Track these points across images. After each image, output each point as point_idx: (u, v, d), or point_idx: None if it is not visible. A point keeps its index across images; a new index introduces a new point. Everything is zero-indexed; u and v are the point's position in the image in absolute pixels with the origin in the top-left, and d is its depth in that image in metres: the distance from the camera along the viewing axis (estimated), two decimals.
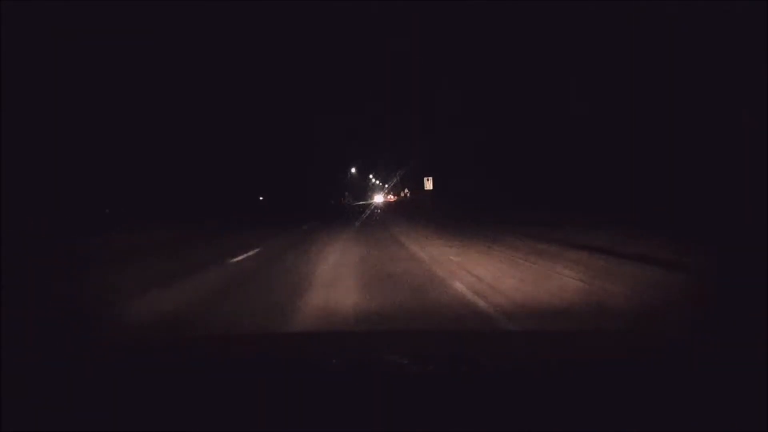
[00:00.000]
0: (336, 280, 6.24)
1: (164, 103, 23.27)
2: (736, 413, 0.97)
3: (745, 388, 1.07)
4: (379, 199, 79.63)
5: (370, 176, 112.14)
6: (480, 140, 25.28)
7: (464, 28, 23.59)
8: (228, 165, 31.91)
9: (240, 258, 8.97)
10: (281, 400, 1.12)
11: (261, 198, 45.92)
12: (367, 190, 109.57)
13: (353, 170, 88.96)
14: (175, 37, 24.24)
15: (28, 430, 1.00)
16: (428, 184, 29.98)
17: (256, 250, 10.14)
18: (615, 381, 1.17)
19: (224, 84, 30.17)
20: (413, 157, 47.71)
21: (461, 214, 20.54)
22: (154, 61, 22.61)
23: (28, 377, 1.29)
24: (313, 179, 60.28)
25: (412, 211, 27.15)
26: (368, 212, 29.87)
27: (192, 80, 25.91)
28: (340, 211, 34.58)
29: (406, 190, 68.04)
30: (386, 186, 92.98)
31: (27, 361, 1.45)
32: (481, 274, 6.22)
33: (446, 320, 4.12)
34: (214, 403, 1.10)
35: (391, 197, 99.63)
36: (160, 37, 22.84)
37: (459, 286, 5.51)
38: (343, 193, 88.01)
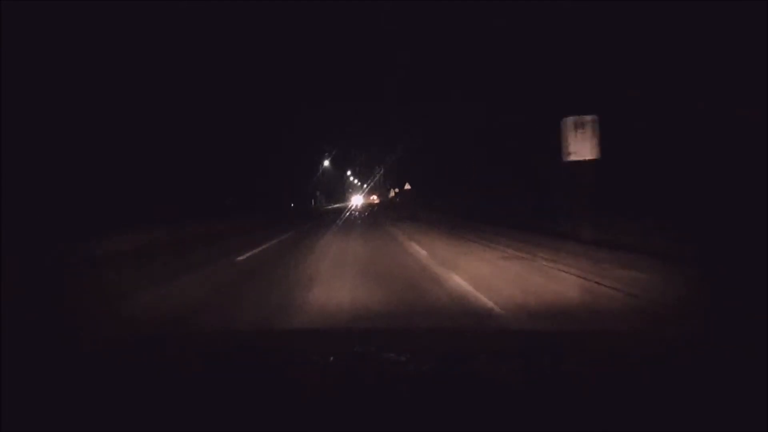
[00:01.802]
0: None
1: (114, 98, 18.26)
2: (736, 413, 0.96)
3: (745, 389, 1.06)
4: (357, 201, 58.44)
5: (348, 173, 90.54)
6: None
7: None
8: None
9: None
10: (278, 398, 1.11)
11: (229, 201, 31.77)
12: (345, 191, 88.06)
13: (326, 163, 65.94)
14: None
15: (28, 430, 1.00)
16: (579, 144, 8.72)
17: None
18: (611, 381, 1.17)
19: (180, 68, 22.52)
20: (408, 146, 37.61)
21: None
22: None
23: (27, 376, 1.27)
24: (274, 177, 39.21)
25: None
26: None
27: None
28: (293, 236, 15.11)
29: (408, 186, 46.50)
30: (365, 186, 71.50)
31: (27, 360, 1.44)
32: None
33: None
34: (212, 401, 1.09)
35: (375, 198, 79.71)
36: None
37: None
38: (314, 193, 65.46)
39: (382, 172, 67.77)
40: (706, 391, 1.06)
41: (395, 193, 71.89)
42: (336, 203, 70.01)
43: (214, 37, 26.40)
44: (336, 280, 6.30)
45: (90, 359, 1.51)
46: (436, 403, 1.05)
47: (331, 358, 1.56)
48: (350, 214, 30.85)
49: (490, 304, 4.84)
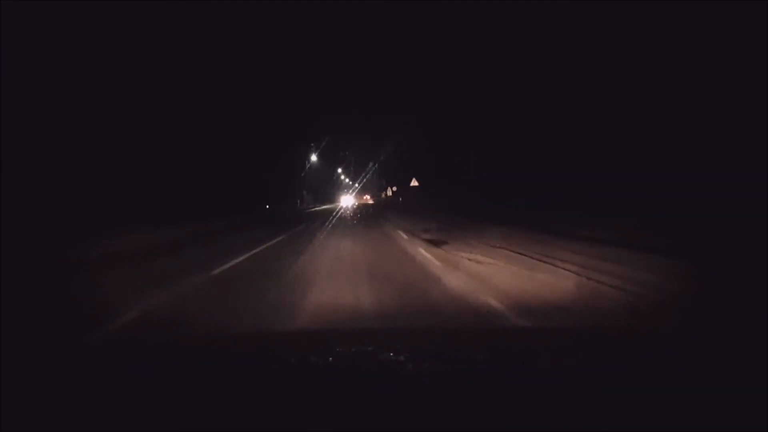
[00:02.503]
0: None
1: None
2: (735, 412, 0.94)
3: (743, 387, 1.04)
4: (348, 201, 50.13)
5: (338, 170, 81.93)
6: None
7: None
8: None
9: None
10: (278, 399, 1.10)
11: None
12: (335, 190, 79.40)
13: (314, 158, 57.03)
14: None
15: (28, 430, 0.99)
16: None
17: None
18: (612, 379, 1.16)
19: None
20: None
21: None
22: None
23: (27, 376, 1.26)
24: (251, 173, 31.36)
25: None
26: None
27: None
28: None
29: (415, 182, 38.29)
30: (357, 185, 63.27)
31: (27, 360, 1.43)
32: None
33: None
34: (211, 402, 1.08)
35: (369, 198, 71.39)
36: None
37: None
38: (300, 192, 56.72)
39: (375, 167, 59.37)
40: (706, 391, 1.04)
41: (392, 191, 63.28)
42: (324, 203, 61.21)
43: (213, 34, 24.07)
44: None
45: (89, 359, 1.52)
46: (435, 402, 1.05)
47: (330, 359, 1.57)
48: (341, 217, 22.45)
49: None
